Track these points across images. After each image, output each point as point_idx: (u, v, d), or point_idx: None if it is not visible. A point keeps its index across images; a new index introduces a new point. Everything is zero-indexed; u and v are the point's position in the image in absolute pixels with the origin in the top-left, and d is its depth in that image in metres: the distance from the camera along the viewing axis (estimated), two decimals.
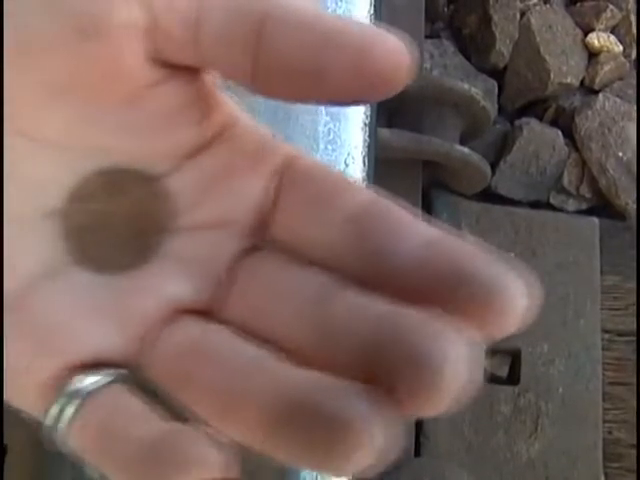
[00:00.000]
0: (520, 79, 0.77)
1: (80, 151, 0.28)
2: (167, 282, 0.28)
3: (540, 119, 0.78)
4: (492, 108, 0.71)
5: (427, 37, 0.73)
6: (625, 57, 0.80)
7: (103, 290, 0.28)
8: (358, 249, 0.27)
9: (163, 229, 0.28)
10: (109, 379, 0.27)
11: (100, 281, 0.28)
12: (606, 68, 0.79)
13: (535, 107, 0.79)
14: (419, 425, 0.54)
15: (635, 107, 0.77)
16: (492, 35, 0.75)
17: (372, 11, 0.37)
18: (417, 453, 0.54)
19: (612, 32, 0.81)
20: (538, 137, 0.76)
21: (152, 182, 0.28)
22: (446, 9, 0.76)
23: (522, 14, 0.77)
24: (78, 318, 0.27)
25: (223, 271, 0.28)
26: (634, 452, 0.63)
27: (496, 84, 0.76)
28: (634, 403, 0.65)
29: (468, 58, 0.76)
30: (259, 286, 0.28)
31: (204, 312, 0.29)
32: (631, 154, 0.76)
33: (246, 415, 0.25)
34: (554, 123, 0.79)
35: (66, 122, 0.27)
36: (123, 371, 0.27)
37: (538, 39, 0.76)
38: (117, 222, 0.28)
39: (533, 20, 0.76)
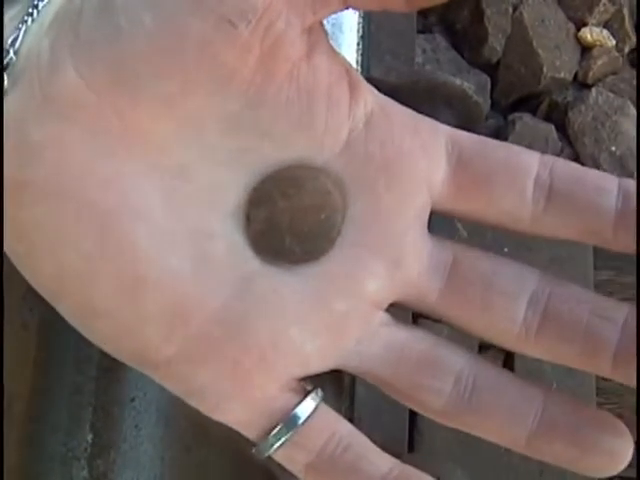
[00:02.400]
0: (513, 74, 0.76)
1: (246, 147, 0.27)
2: (364, 278, 0.27)
3: (533, 114, 0.78)
4: (485, 103, 0.71)
5: (419, 32, 0.73)
6: (618, 51, 0.80)
7: (303, 292, 0.27)
8: (559, 211, 0.27)
9: (342, 218, 0.27)
10: (318, 400, 0.27)
11: (296, 281, 0.27)
12: (599, 62, 0.79)
13: (528, 102, 0.79)
14: (413, 421, 0.54)
15: (628, 102, 0.77)
16: (485, 30, 0.75)
17: None
18: (411, 449, 0.54)
19: (605, 26, 0.80)
20: (531, 131, 0.76)
21: (322, 173, 0.27)
22: None
23: (514, 8, 0.76)
24: (291, 328, 0.27)
25: (418, 260, 0.28)
26: None
27: (489, 79, 0.76)
28: (628, 398, 0.64)
29: (461, 53, 0.75)
30: (475, 280, 0.28)
31: (402, 303, 0.28)
32: (624, 149, 0.76)
33: (492, 425, 0.28)
34: (547, 118, 0.78)
35: (229, 116, 0.26)
36: (320, 391, 0.27)
37: (531, 33, 0.76)
38: (298, 218, 0.28)
39: (526, 14, 0.76)
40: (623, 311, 0.27)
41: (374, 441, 0.29)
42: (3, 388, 0.30)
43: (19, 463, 0.32)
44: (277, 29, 0.25)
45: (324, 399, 0.29)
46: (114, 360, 0.31)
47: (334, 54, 0.28)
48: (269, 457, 0.28)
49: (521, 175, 0.28)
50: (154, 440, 0.32)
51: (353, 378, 0.34)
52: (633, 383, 0.27)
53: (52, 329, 0.33)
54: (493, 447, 0.62)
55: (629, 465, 0.63)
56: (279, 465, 0.28)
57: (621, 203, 0.27)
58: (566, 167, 0.28)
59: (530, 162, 0.28)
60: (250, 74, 0.26)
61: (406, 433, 0.53)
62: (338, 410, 0.32)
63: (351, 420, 0.34)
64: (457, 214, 0.29)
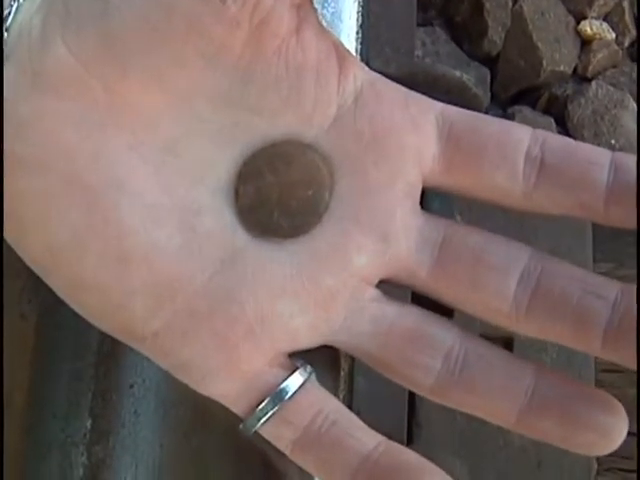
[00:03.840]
0: (513, 67, 0.76)
1: (235, 123, 0.27)
2: (352, 254, 0.27)
3: (533, 107, 0.78)
4: (484, 95, 0.71)
5: (419, 25, 0.73)
6: (618, 45, 0.80)
7: (291, 267, 0.27)
8: (550, 186, 0.27)
9: (330, 193, 0.27)
10: (306, 376, 0.27)
11: (284, 257, 0.27)
12: (599, 56, 0.79)
13: (528, 95, 0.79)
14: (412, 412, 0.54)
15: (628, 95, 0.77)
16: (484, 23, 0.75)
17: None
18: (410, 441, 0.54)
19: (605, 19, 0.80)
20: (531, 125, 0.76)
21: (311, 148, 0.28)
22: None
23: (514, 1, 0.76)
24: (278, 302, 0.27)
25: (407, 236, 0.28)
26: (627, 439, 0.63)
27: (489, 72, 0.76)
28: (627, 390, 0.64)
29: (460, 46, 0.75)
30: (465, 256, 0.28)
31: (394, 280, 0.28)
32: (624, 142, 0.76)
33: (493, 405, 0.27)
34: (547, 111, 0.78)
35: (219, 91, 0.27)
36: (310, 367, 0.27)
37: (530, 26, 0.76)
38: (286, 193, 0.28)
39: (525, 7, 0.76)
40: (614, 289, 0.27)
41: None
42: (3, 378, 0.30)
43: (18, 449, 0.32)
44: (266, 4, 0.25)
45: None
46: (113, 347, 0.32)
47: (323, 30, 0.28)
48: (262, 438, 0.28)
49: (512, 150, 0.27)
50: (153, 426, 0.32)
51: (352, 368, 0.34)
52: (623, 362, 0.27)
53: (51, 319, 0.33)
54: (492, 439, 0.62)
55: (629, 457, 0.63)
56: (276, 452, 0.28)
57: (612, 176, 0.27)
58: (558, 141, 0.28)
59: (521, 137, 0.28)
60: (239, 50, 0.26)
61: (405, 425, 0.53)
62: None
63: None
64: (449, 189, 0.29)
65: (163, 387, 0.31)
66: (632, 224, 0.27)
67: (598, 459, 0.58)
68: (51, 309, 0.32)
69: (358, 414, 0.30)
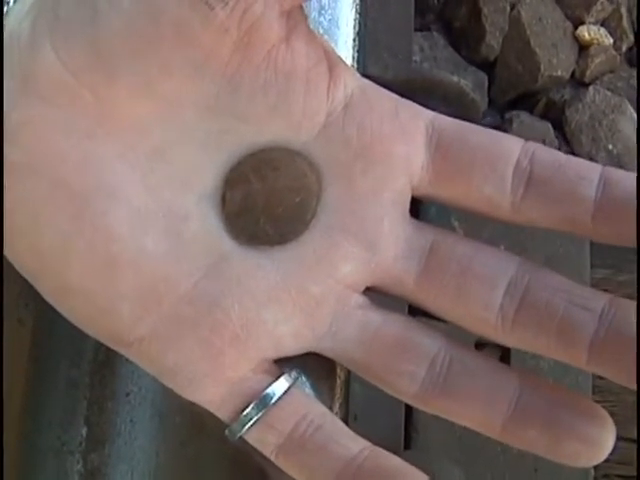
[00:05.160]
0: (510, 72, 0.76)
1: (224, 129, 0.27)
2: (339, 261, 0.27)
3: (530, 112, 0.78)
4: (482, 101, 0.71)
5: (417, 30, 0.73)
6: (616, 50, 0.80)
7: (276, 274, 0.27)
8: (538, 199, 0.27)
9: (317, 201, 0.27)
10: (291, 382, 0.27)
11: (270, 264, 0.27)
12: (597, 61, 0.79)
13: (525, 100, 0.79)
14: (409, 418, 0.54)
15: (626, 100, 0.77)
16: (482, 28, 0.75)
17: (359, 2, 0.37)
18: (407, 446, 0.54)
19: (602, 25, 0.80)
20: (528, 130, 0.76)
21: (299, 155, 0.27)
22: (436, 2, 0.76)
23: (512, 7, 0.76)
24: (263, 309, 0.27)
25: (394, 244, 0.28)
26: (624, 444, 0.63)
27: (486, 77, 0.76)
28: (624, 396, 0.65)
29: (458, 51, 0.75)
30: (452, 266, 0.27)
31: (380, 288, 0.28)
32: (622, 147, 0.76)
33: (469, 410, 0.27)
34: (544, 116, 0.78)
35: (207, 98, 0.26)
36: (297, 371, 0.27)
37: (528, 32, 0.76)
38: (273, 200, 0.28)
39: (523, 13, 0.76)
40: (602, 300, 0.27)
41: (370, 439, 0.29)
42: (2, 382, 0.30)
43: (13, 456, 0.32)
44: (255, 11, 0.25)
45: (318, 396, 0.29)
46: (109, 354, 0.31)
47: (313, 37, 0.28)
48: (252, 448, 0.28)
49: (501, 162, 0.27)
50: (149, 435, 0.32)
51: (348, 375, 0.34)
52: (609, 375, 0.26)
53: (47, 324, 0.33)
54: (489, 444, 0.62)
55: (626, 463, 0.63)
56: (270, 462, 0.28)
57: (601, 192, 0.26)
58: (548, 154, 0.27)
59: (511, 148, 0.27)
60: (227, 56, 0.26)
61: (402, 430, 0.53)
62: (332, 407, 0.32)
63: (346, 417, 0.33)
64: (438, 199, 0.29)
65: (159, 395, 0.31)
66: (620, 241, 0.27)
67: (595, 465, 0.58)
68: (48, 314, 0.32)
69: (355, 420, 0.30)
